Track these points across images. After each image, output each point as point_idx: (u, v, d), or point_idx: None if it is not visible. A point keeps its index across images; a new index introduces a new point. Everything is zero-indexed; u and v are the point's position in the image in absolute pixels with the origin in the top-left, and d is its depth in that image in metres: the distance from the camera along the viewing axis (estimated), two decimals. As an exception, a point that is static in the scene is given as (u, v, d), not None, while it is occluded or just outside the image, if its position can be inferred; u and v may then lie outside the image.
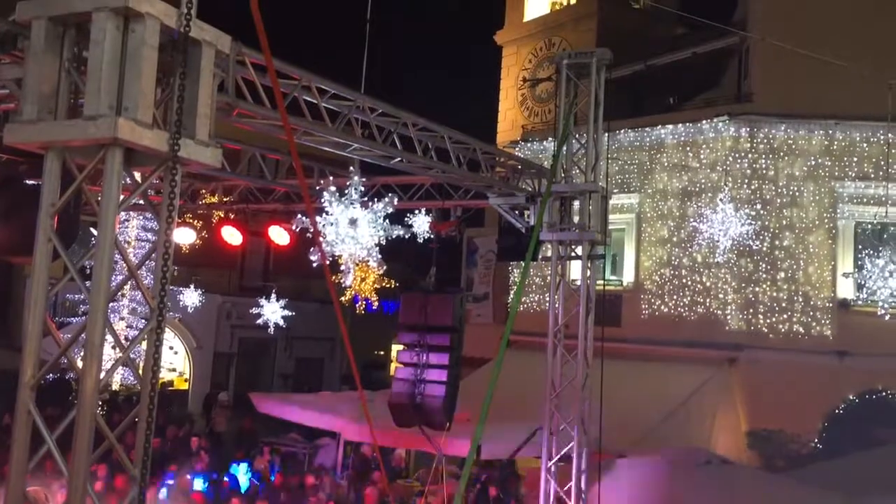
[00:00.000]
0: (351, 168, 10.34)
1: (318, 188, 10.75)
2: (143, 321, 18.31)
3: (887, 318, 13.42)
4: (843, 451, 12.95)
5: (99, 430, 4.64)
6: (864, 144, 16.11)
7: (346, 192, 10.07)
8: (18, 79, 4.94)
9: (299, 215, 10.31)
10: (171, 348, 24.23)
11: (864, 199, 16.07)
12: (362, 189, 10.20)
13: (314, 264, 9.41)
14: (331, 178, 10.80)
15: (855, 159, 16.13)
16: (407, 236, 11.35)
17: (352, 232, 9.86)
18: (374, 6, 10.71)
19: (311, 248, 9.84)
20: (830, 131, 16.22)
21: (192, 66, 4.73)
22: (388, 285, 17.99)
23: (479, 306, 21.59)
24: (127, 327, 19.41)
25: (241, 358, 27.55)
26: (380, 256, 10.36)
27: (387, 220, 10.19)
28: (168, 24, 4.57)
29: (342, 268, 10.39)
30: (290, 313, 19.91)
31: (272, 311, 19.40)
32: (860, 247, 15.70)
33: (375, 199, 10.23)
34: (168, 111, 4.76)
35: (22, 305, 20.53)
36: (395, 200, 10.26)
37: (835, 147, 16.21)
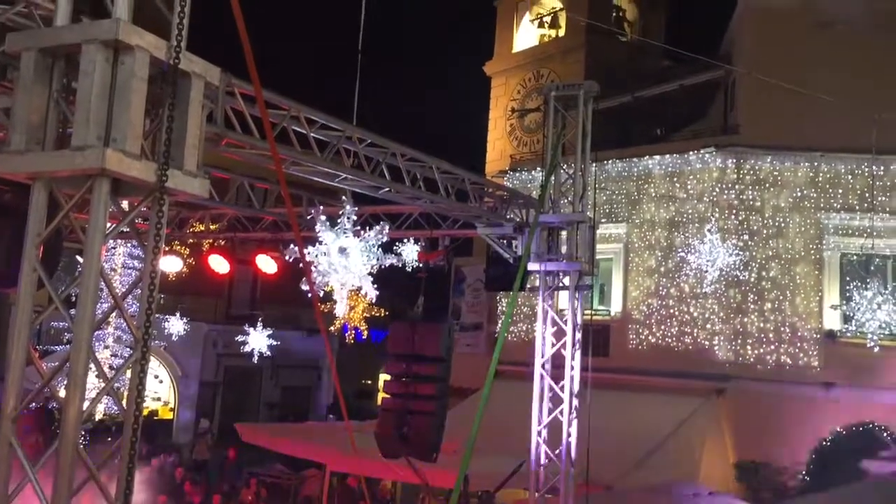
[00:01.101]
0: (343, 197, 10.37)
1: (308, 217, 10.76)
2: (128, 349, 18.17)
3: (876, 349, 13.47)
4: (831, 483, 12.91)
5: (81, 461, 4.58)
6: (849, 176, 16.27)
7: (339, 221, 10.08)
8: (7, 108, 4.94)
9: (291, 245, 10.30)
10: (156, 377, 24.03)
11: (850, 231, 16.20)
12: (354, 218, 10.22)
13: (308, 294, 9.39)
14: (321, 207, 10.80)
15: (840, 191, 16.29)
16: (398, 265, 11.36)
17: (344, 261, 9.86)
18: (364, 37, 10.78)
19: (303, 279, 9.82)
20: (816, 163, 16.39)
21: (181, 97, 4.74)
22: (377, 314, 17.95)
23: (469, 336, 21.55)
24: (111, 356, 19.24)
25: (227, 387, 27.33)
26: (374, 286, 10.35)
27: (379, 249, 10.21)
28: (158, 56, 4.58)
29: (334, 297, 10.37)
30: (276, 342, 19.83)
31: (259, 340, 19.32)
32: (846, 278, 15.80)
33: (366, 228, 10.24)
34: (156, 142, 4.76)
35: (5, 333, 20.32)
36: (387, 229, 10.28)
37: (820, 179, 16.37)
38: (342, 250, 9.86)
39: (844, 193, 16.27)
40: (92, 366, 4.63)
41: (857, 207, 16.13)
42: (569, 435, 10.08)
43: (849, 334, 15.54)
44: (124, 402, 4.85)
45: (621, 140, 18.92)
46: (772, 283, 16.20)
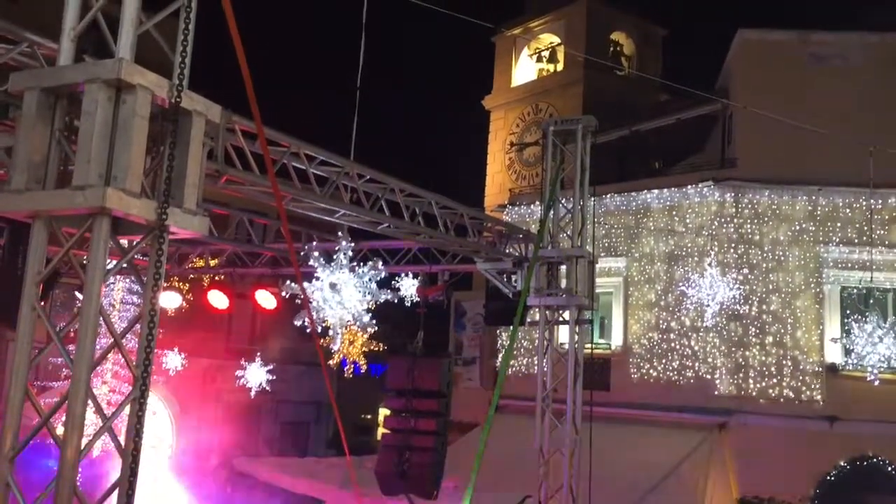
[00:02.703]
0: (339, 233, 10.38)
1: (303, 253, 10.77)
2: (126, 385, 18.05)
3: (876, 383, 13.41)
4: (836, 518, 12.81)
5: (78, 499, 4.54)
6: (848, 210, 16.31)
7: (335, 256, 10.09)
8: (9, 147, 4.96)
9: (288, 281, 10.31)
10: (152, 413, 23.83)
11: (849, 264, 16.19)
12: (350, 254, 10.23)
13: (307, 329, 9.37)
14: (314, 242, 10.83)
15: (839, 224, 16.31)
16: (395, 300, 11.35)
17: (337, 297, 9.85)
18: (363, 72, 10.87)
19: (298, 313, 9.81)
20: (814, 197, 16.44)
21: (181, 135, 4.77)
22: (376, 348, 17.88)
23: (469, 370, 21.46)
24: (110, 391, 19.09)
25: (226, 422, 27.09)
26: (372, 321, 10.33)
27: (374, 284, 10.20)
28: (159, 94, 4.62)
29: (330, 332, 10.34)
30: (275, 377, 19.71)
31: (257, 375, 19.23)
32: (847, 311, 15.77)
33: (363, 264, 10.25)
34: (157, 180, 4.78)
35: (3, 371, 20.22)
36: (380, 264, 10.28)
37: (818, 212, 16.41)
38: (333, 286, 9.85)
39: (843, 227, 16.29)
40: (90, 402, 4.61)
41: (856, 241, 16.14)
42: (571, 470, 9.99)
43: (850, 367, 15.48)
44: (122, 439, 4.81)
45: (620, 174, 19.01)
46: (772, 316, 16.17)
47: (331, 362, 18.38)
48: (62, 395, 4.63)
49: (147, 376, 4.70)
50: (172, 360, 20.11)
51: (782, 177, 16.46)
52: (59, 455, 4.48)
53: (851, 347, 13.76)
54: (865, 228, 15.94)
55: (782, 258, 16.34)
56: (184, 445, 25.54)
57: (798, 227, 16.41)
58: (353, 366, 17.45)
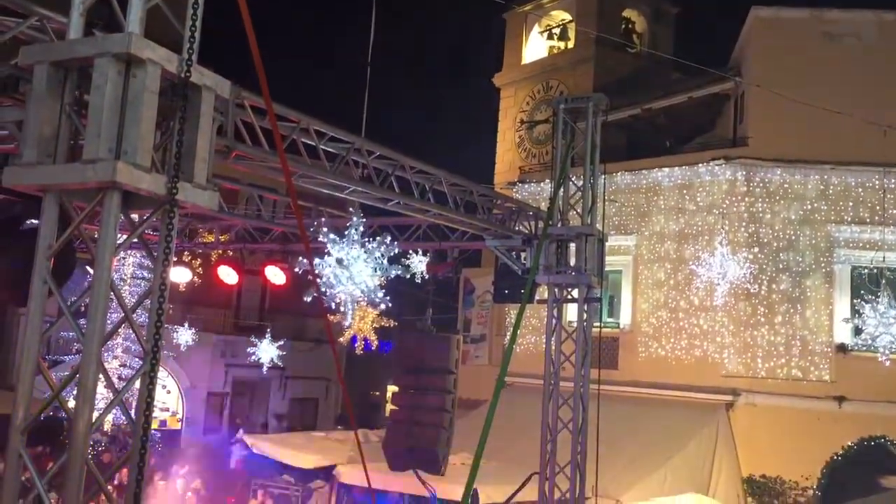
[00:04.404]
0: (350, 209, 10.38)
1: (312, 229, 10.78)
2: (137, 359, 18.20)
3: (888, 363, 13.37)
4: (842, 497, 12.82)
5: (89, 472, 4.59)
6: (860, 189, 16.20)
7: (346, 232, 10.09)
8: (19, 121, 4.96)
9: (300, 258, 10.32)
10: (163, 387, 24.03)
11: (861, 244, 16.11)
12: (361, 229, 10.22)
13: (309, 300, 9.40)
14: (323, 218, 10.82)
15: (851, 204, 16.21)
16: (405, 276, 11.36)
17: (347, 273, 9.86)
18: (374, 51, 10.82)
19: (308, 290, 9.84)
20: (826, 176, 16.33)
21: (191, 110, 4.76)
22: (386, 325, 17.94)
23: (478, 347, 21.50)
24: (121, 366, 19.26)
25: (235, 397, 27.33)
26: (386, 297, 10.35)
27: (385, 260, 10.21)
28: (169, 69, 4.60)
29: (341, 308, 10.37)
30: (284, 353, 19.81)
31: (267, 351, 19.34)
32: (861, 291, 15.70)
33: (373, 239, 10.25)
34: (167, 154, 4.77)
35: (14, 344, 20.41)
36: (389, 239, 10.27)
37: (830, 192, 16.31)
38: (339, 261, 9.85)
39: (855, 206, 16.19)
40: (101, 376, 4.64)
41: (868, 220, 16.05)
42: (578, 448, 10.02)
43: (859, 348, 15.45)
44: (133, 413, 4.85)
45: (630, 152, 18.91)
46: (782, 295, 16.12)
47: (342, 339, 18.51)
48: (74, 369, 4.66)
49: (157, 350, 4.72)
50: (183, 335, 20.28)
51: (794, 155, 16.35)
52: (72, 427, 4.52)
53: (863, 327, 13.72)
54: (878, 208, 15.85)
55: (793, 237, 16.26)
56: (193, 420, 25.78)
57: (809, 206, 16.31)
58: (363, 342, 17.53)
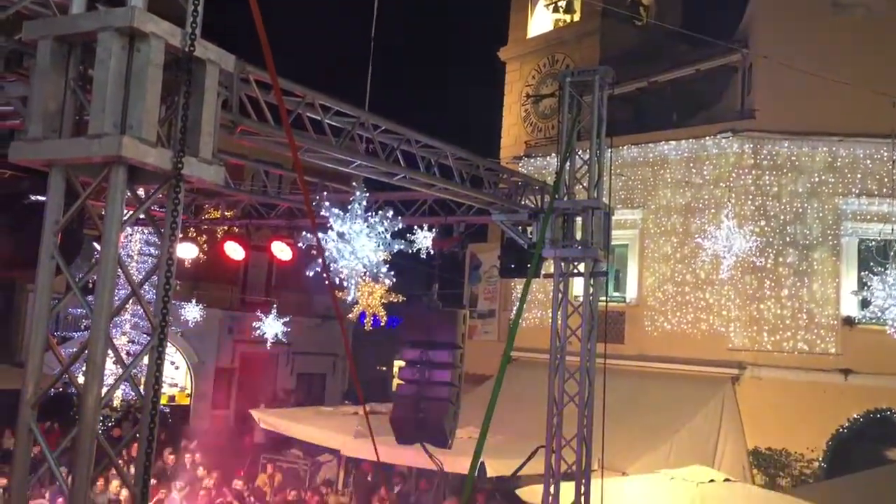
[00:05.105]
0: (353, 183, 10.36)
1: (315, 203, 10.76)
2: (145, 335, 18.29)
3: (895, 336, 13.35)
4: (848, 469, 12.87)
5: (99, 446, 4.63)
6: (868, 161, 16.11)
7: (350, 207, 10.08)
8: (24, 96, 4.95)
9: (304, 233, 10.31)
10: (172, 363, 24.19)
11: (868, 216, 16.05)
12: (365, 204, 10.21)
13: (323, 281, 9.40)
14: (325, 193, 10.81)
15: (859, 176, 16.13)
16: (410, 251, 11.36)
17: (349, 247, 9.86)
18: (378, 24, 10.75)
19: (311, 264, 9.84)
20: (834, 148, 16.23)
21: (196, 84, 4.74)
22: (395, 300, 17.97)
23: (485, 322, 21.54)
24: (129, 342, 19.37)
25: (243, 373, 27.51)
26: (391, 272, 10.36)
27: (388, 235, 10.20)
28: (173, 43, 4.58)
29: (344, 284, 10.38)
30: (290, 329, 19.88)
31: (274, 327, 19.42)
32: (870, 263, 15.66)
33: (377, 213, 10.23)
34: (172, 129, 4.77)
35: (24, 321, 20.51)
36: (391, 213, 10.24)
37: (838, 164, 16.22)
38: (341, 235, 9.84)
39: (863, 178, 16.11)
40: (110, 352, 4.67)
41: (876, 192, 15.98)
42: (583, 422, 10.07)
43: (866, 321, 15.45)
44: (142, 388, 4.88)
45: (637, 125, 18.79)
46: (789, 268, 16.10)
47: (350, 315, 18.57)
48: (82, 345, 4.69)
49: (165, 325, 4.74)
50: (190, 311, 20.37)
51: (802, 128, 16.25)
52: (81, 402, 4.56)
53: (871, 300, 13.70)
54: (886, 180, 15.77)
55: (800, 210, 16.20)
56: (202, 395, 25.97)
57: (817, 179, 16.24)
58: (372, 318, 17.59)
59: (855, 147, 16.13)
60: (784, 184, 16.31)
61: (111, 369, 13.51)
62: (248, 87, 6.58)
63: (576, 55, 23.16)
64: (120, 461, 5.52)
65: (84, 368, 4.60)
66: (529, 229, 11.06)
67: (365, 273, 10.18)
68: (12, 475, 4.78)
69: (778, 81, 16.08)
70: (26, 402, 4.60)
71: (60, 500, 11.30)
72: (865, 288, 14.74)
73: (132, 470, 5.18)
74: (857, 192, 16.09)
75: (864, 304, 15.46)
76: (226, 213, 13.41)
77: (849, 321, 15.77)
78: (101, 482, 12.75)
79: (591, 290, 10.34)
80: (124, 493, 12.20)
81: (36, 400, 4.64)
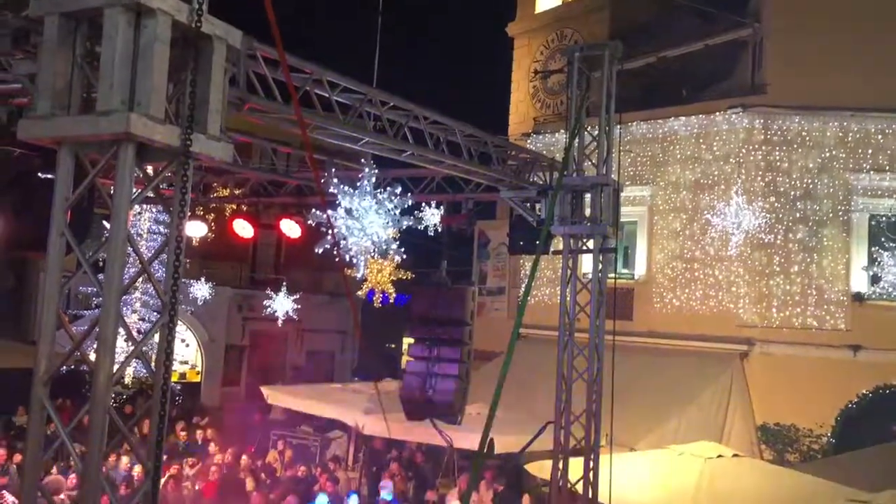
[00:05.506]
0: (363, 160, 10.34)
1: (324, 180, 10.75)
2: (156, 314, 18.40)
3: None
4: (857, 445, 12.88)
5: (112, 423, 4.67)
6: (880, 136, 15.97)
7: (359, 184, 10.06)
8: (31, 74, 4.95)
9: (314, 210, 10.30)
10: (182, 341, 24.34)
11: (879, 192, 15.93)
12: (374, 181, 10.19)
13: (333, 258, 9.42)
14: (333, 169, 10.80)
15: (870, 151, 15.99)
16: (419, 228, 11.36)
17: (358, 225, 9.86)
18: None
19: (320, 242, 9.85)
20: (845, 123, 16.09)
21: (203, 61, 4.73)
22: (404, 276, 17.98)
23: (494, 299, 21.56)
24: (139, 320, 19.50)
25: (253, 351, 27.66)
26: (401, 249, 10.37)
27: (397, 212, 10.19)
28: (179, 19, 4.56)
29: (354, 261, 10.39)
30: (299, 306, 19.93)
31: (283, 304, 19.47)
32: (881, 239, 15.58)
33: (386, 190, 10.21)
34: (180, 106, 4.76)
35: (36, 300, 20.67)
36: (399, 190, 10.23)
37: (849, 139, 16.08)
38: (348, 211, 9.83)
39: (874, 153, 15.97)
40: (121, 329, 4.69)
41: (888, 167, 15.86)
42: (592, 398, 10.10)
43: (875, 296, 15.40)
44: (153, 365, 4.92)
45: (646, 101, 18.65)
46: (798, 244, 16.02)
47: (359, 292, 18.61)
48: (93, 322, 4.71)
49: (175, 302, 4.76)
50: (199, 289, 20.46)
51: (813, 102, 16.09)
52: (93, 379, 4.59)
53: (882, 276, 13.64)
54: (897, 155, 15.64)
55: (810, 186, 16.10)
56: (212, 373, 26.15)
57: (828, 154, 16.11)
58: (381, 295, 17.63)
59: (866, 122, 15.99)
60: (794, 159, 16.19)
61: (122, 347, 13.60)
62: (256, 63, 6.57)
63: (584, 30, 22.95)
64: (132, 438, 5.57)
65: (95, 346, 4.63)
66: (538, 206, 11.05)
67: (374, 250, 10.19)
68: (26, 451, 4.83)
69: (789, 55, 15.92)
70: (39, 379, 4.64)
71: (73, 475, 11.41)
72: (875, 264, 14.69)
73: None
74: (868, 167, 15.96)
75: (875, 279, 15.41)
76: (234, 192, 13.43)
77: (858, 297, 15.71)
78: (112, 458, 12.89)
79: (600, 266, 10.32)
80: (137, 468, 12.32)
81: (48, 377, 4.68)
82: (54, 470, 11.58)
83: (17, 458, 13.08)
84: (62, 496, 10.52)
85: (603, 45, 10.51)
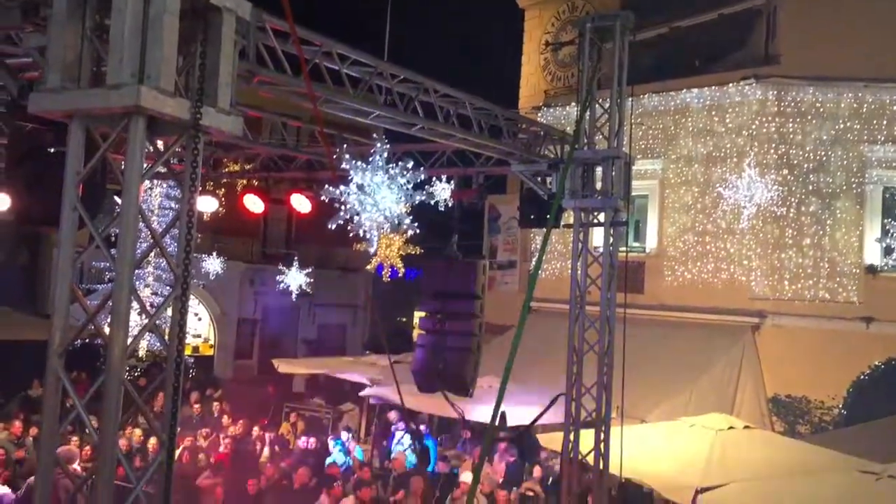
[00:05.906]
0: (374, 135, 10.31)
1: (335, 155, 10.73)
2: (168, 288, 18.50)
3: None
4: (868, 417, 12.88)
5: (126, 395, 4.72)
6: (895, 107, 15.78)
7: (371, 159, 10.03)
8: (41, 47, 4.95)
9: (326, 185, 10.29)
10: (195, 315, 24.50)
11: (894, 164, 15.79)
12: (385, 156, 10.15)
13: (333, 227, 9.42)
14: (345, 145, 10.77)
15: (885, 122, 15.81)
16: (430, 202, 11.34)
17: (371, 200, 9.84)
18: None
19: (332, 218, 9.85)
20: (860, 94, 15.89)
21: (212, 33, 4.72)
22: (413, 251, 17.98)
23: (506, 273, 21.57)
24: (152, 294, 19.62)
25: (265, 324, 27.83)
26: (414, 223, 10.36)
27: (410, 186, 10.16)
28: (188, -10, 4.55)
29: (366, 236, 10.39)
30: (311, 280, 20.01)
31: (295, 279, 19.55)
32: (891, 211, 15.45)
33: (396, 165, 10.18)
34: (189, 79, 4.76)
35: (49, 274, 20.82)
36: (411, 164, 10.19)
37: (864, 110, 15.90)
38: (360, 187, 9.82)
39: (889, 124, 15.80)
40: (134, 303, 4.73)
41: (903, 139, 15.70)
42: (603, 371, 10.12)
43: (888, 269, 15.32)
44: (167, 338, 4.96)
45: (658, 72, 18.48)
46: (811, 217, 15.92)
47: (368, 266, 18.65)
48: (106, 295, 4.74)
49: (187, 275, 4.79)
50: (211, 264, 20.55)
51: (827, 73, 15.89)
52: (107, 351, 4.63)
53: (894, 248, 13.56)
54: (913, 127, 15.48)
55: (824, 158, 15.95)
56: (225, 346, 26.35)
57: (842, 126, 15.94)
58: (390, 269, 17.66)
59: (881, 93, 15.80)
60: (808, 131, 16.03)
61: (136, 320, 13.70)
62: (266, 36, 6.53)
63: (596, 0, 22.72)
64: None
65: (109, 320, 4.66)
66: (549, 179, 11.00)
67: (387, 225, 10.17)
68: (43, 422, 4.89)
69: (803, 25, 15.72)
70: (54, 352, 4.69)
71: (87, 447, 11.55)
72: (889, 236, 14.58)
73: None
74: (882, 139, 15.80)
75: (888, 251, 15.32)
76: (244, 167, 13.43)
77: (871, 269, 15.63)
78: (128, 430, 13.04)
79: (611, 240, 10.30)
80: (152, 440, 12.46)
81: (63, 349, 4.72)
82: (74, 441, 11.72)
83: (34, 430, 13.23)
84: (76, 465, 10.67)
85: (615, 16, 10.40)
